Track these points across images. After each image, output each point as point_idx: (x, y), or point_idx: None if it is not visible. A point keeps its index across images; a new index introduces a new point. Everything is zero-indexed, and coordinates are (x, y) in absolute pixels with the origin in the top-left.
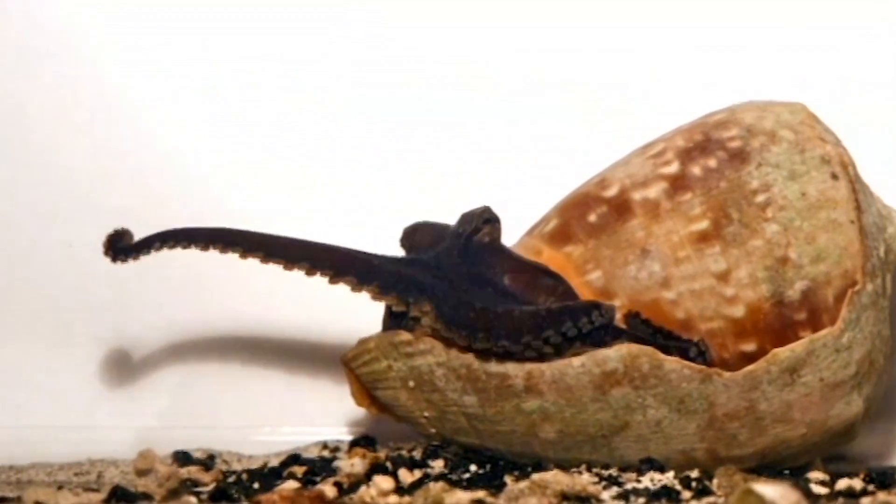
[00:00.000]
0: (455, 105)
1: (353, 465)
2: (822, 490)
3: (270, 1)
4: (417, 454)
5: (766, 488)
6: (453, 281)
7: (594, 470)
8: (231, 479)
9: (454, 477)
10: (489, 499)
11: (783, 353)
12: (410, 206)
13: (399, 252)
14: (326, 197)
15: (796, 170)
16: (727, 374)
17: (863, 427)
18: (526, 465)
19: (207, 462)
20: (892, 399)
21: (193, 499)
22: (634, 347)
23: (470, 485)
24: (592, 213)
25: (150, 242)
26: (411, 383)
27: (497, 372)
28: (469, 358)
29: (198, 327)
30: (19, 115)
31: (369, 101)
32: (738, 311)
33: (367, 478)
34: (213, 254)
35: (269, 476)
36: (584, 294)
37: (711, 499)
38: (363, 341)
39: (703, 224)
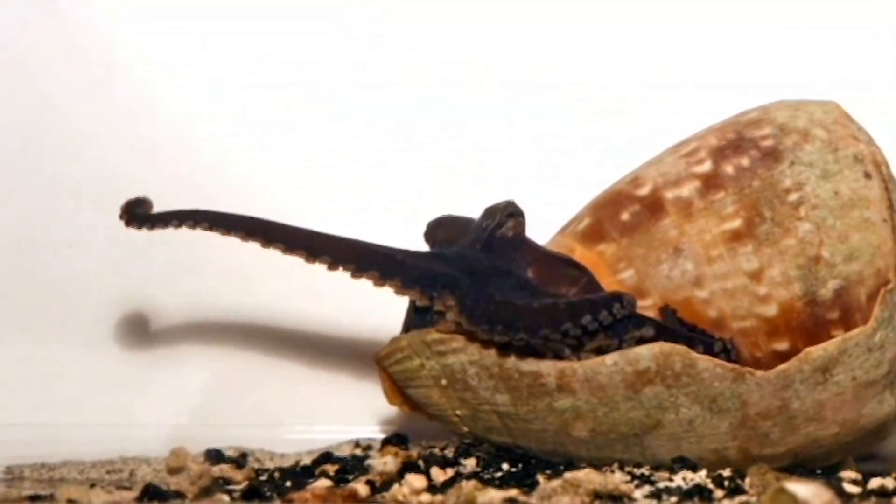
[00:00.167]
0: (471, 103)
1: (385, 463)
2: (855, 489)
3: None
4: (450, 452)
5: (798, 487)
6: (476, 275)
7: (626, 468)
8: (263, 477)
9: (486, 475)
10: (521, 497)
11: (816, 352)
12: (429, 200)
13: (423, 246)
14: (345, 194)
15: (829, 168)
16: (759, 373)
17: (895, 426)
18: (558, 463)
19: (239, 460)
20: None
21: (226, 497)
22: (667, 346)
23: (502, 483)
24: (625, 211)
25: (169, 218)
26: (444, 381)
27: (529, 370)
28: (501, 356)
29: (231, 325)
30: (50, 112)
31: (389, 100)
32: (771, 310)
33: (399, 476)
34: (246, 250)
35: (301, 474)
36: None
37: (744, 498)
38: (396, 339)
39: (736, 223)
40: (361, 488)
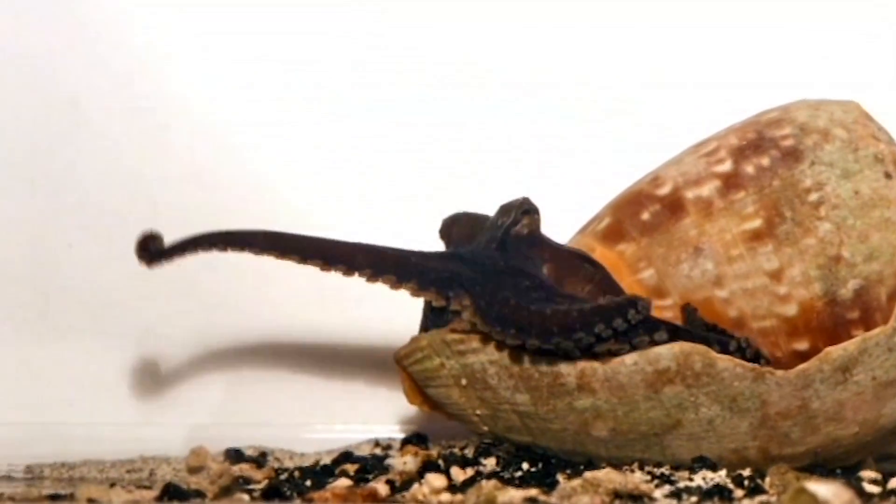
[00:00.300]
0: (475, 102)
1: (405, 462)
2: (875, 489)
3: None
4: (469, 452)
5: (818, 487)
6: (490, 274)
7: (646, 468)
8: (283, 476)
9: (506, 475)
10: (541, 497)
11: (836, 351)
12: (433, 200)
13: (432, 245)
14: (352, 194)
15: (849, 168)
16: (780, 373)
17: None
18: (578, 463)
19: (259, 459)
20: None
21: (246, 496)
22: (687, 346)
23: (522, 483)
24: (645, 211)
25: (184, 247)
26: (464, 381)
27: (549, 370)
28: (522, 356)
29: (251, 324)
30: (76, 116)
31: (392, 100)
32: (791, 310)
33: (419, 476)
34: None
35: (321, 474)
36: (637, 292)
37: (764, 497)
38: (416, 339)
39: (756, 222)
40: (381, 488)
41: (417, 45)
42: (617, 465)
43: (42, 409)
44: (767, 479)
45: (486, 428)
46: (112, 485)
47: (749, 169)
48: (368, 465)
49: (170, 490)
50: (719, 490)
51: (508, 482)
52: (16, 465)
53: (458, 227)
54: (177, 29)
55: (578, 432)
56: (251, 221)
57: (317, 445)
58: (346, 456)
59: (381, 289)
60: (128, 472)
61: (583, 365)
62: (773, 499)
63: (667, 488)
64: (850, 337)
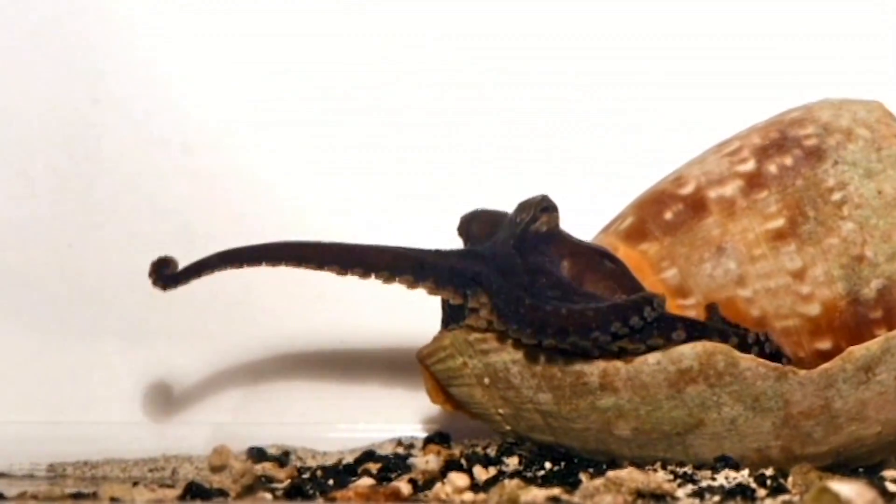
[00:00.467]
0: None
1: (427, 461)
2: None
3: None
4: (492, 451)
5: (841, 486)
6: (508, 272)
7: (669, 467)
8: (306, 475)
9: (529, 474)
10: (564, 496)
11: (859, 351)
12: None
13: (457, 241)
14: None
15: (872, 168)
16: (802, 373)
17: None
18: (601, 462)
19: (282, 458)
20: None
21: (268, 495)
22: (709, 345)
23: (545, 482)
24: (668, 210)
25: (199, 268)
26: (486, 380)
27: (572, 369)
28: (544, 355)
29: (273, 324)
30: (91, 129)
31: (405, 102)
32: (814, 310)
33: (441, 475)
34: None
35: (343, 473)
36: (660, 291)
37: (786, 497)
38: (438, 338)
39: (779, 222)
40: (404, 487)
41: (420, 44)
42: (639, 464)
43: (65, 408)
44: (790, 479)
45: (508, 427)
46: (135, 483)
47: (772, 168)
48: (391, 464)
49: (192, 489)
50: (742, 489)
51: (531, 481)
52: (38, 464)
53: (476, 224)
54: (190, 39)
55: (601, 431)
56: (259, 227)
57: (339, 444)
58: (368, 455)
59: (402, 289)
60: (150, 470)
61: (605, 364)
62: (796, 498)
63: (689, 488)
64: (873, 336)
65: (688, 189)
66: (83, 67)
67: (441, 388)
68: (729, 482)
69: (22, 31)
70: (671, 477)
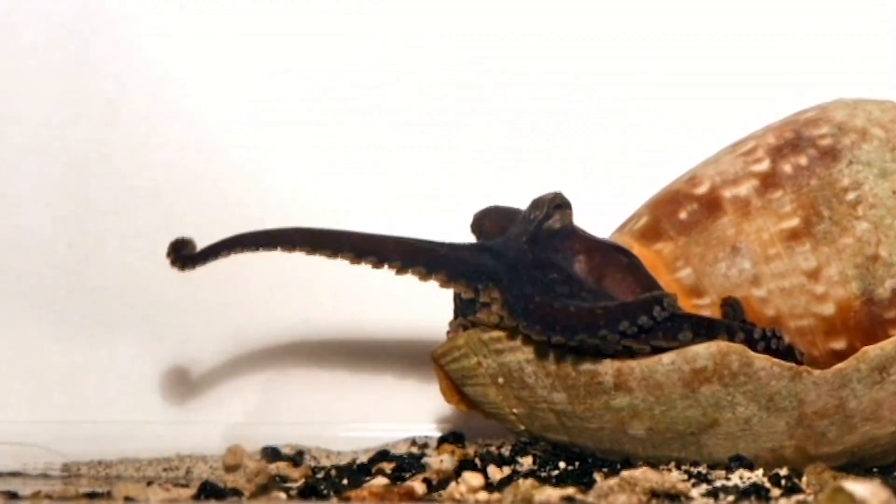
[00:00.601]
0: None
1: (442, 461)
2: None
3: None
4: (506, 451)
5: (855, 486)
6: (519, 268)
7: (683, 467)
8: (320, 475)
9: (543, 474)
10: (579, 496)
11: (873, 350)
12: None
13: (457, 241)
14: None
15: (887, 167)
16: (817, 372)
17: None
18: (615, 462)
19: (296, 458)
20: None
21: (282, 494)
22: (724, 345)
23: (559, 482)
24: (683, 210)
25: (216, 250)
26: (501, 380)
27: (586, 369)
28: (558, 355)
29: (287, 323)
30: (91, 129)
31: (406, 102)
32: (828, 309)
33: (456, 474)
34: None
35: (358, 472)
36: (674, 291)
37: (801, 497)
38: (453, 338)
39: (794, 222)
40: (418, 486)
41: (420, 44)
42: (654, 463)
43: (79, 407)
44: (804, 479)
45: (522, 427)
46: (149, 483)
47: (787, 168)
48: (405, 463)
49: (207, 488)
50: (756, 489)
51: (545, 481)
52: (53, 464)
53: (489, 221)
54: (190, 39)
55: (615, 431)
56: (259, 227)
57: (353, 444)
58: (382, 454)
59: (418, 287)
60: (164, 470)
61: (620, 364)
62: (810, 498)
63: (704, 487)
64: (888, 336)
65: (702, 189)
66: (83, 68)
67: (455, 387)
68: (743, 482)
69: (21, 32)
70: (685, 476)
